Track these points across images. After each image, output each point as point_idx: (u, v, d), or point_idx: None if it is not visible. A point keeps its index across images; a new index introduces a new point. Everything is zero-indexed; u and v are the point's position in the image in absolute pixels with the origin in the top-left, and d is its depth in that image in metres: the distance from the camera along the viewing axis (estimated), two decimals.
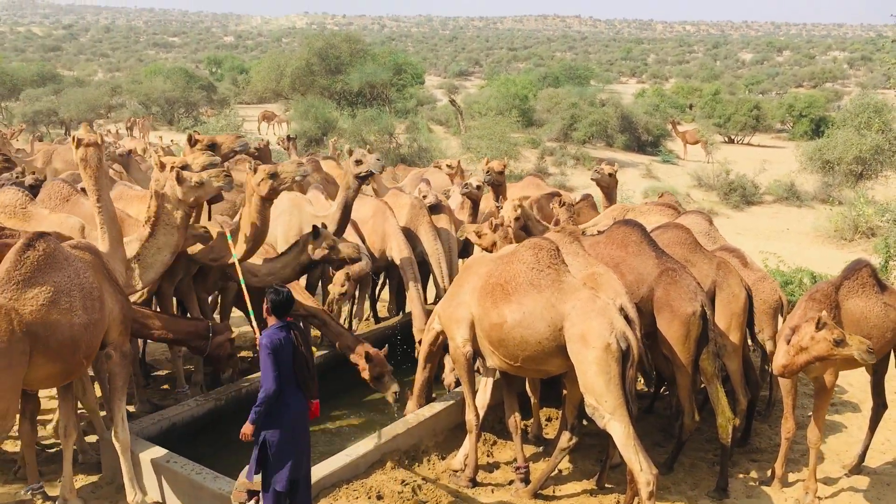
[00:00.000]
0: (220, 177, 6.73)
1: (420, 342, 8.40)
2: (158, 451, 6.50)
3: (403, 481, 6.64)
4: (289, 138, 15.83)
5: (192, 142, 8.19)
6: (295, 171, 7.29)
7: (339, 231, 8.50)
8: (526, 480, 6.83)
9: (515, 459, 6.94)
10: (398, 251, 9.21)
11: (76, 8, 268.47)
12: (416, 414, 7.47)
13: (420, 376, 7.69)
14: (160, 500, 6.41)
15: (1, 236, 6.59)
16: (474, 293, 6.57)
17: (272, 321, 5.49)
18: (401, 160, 25.87)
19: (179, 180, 6.68)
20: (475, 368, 7.02)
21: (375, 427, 7.59)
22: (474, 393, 6.93)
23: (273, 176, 7.19)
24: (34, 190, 8.74)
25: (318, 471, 6.34)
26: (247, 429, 5.36)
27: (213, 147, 7.99)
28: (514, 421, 6.90)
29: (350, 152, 8.73)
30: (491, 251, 7.78)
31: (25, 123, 33.76)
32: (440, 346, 7.38)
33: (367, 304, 10.49)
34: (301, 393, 5.50)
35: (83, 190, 7.97)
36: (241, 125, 33.37)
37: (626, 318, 6.27)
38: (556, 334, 6.13)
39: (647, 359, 6.66)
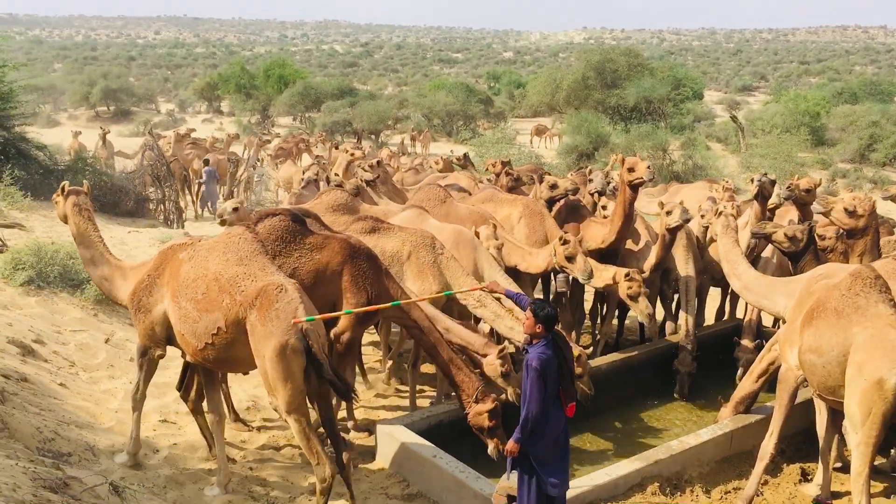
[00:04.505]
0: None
1: (678, 364, 8.82)
2: (426, 446, 6.84)
3: None
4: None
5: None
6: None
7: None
8: None
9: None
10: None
11: (373, 27, 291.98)
12: (680, 441, 7.20)
13: (748, 387, 7.46)
14: (424, 492, 6.73)
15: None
16: (802, 318, 6.29)
17: (538, 335, 5.52)
18: (674, 177, 25.14)
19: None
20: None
21: (637, 448, 7.43)
22: (784, 421, 6.54)
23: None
24: None
25: (577, 486, 6.30)
26: (512, 446, 5.49)
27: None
28: (827, 446, 6.55)
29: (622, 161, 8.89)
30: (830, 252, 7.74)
31: (325, 132, 37.35)
32: (776, 368, 7.03)
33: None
34: (561, 404, 5.53)
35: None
36: (515, 138, 34.32)
37: None
38: (840, 360, 5.74)
39: None
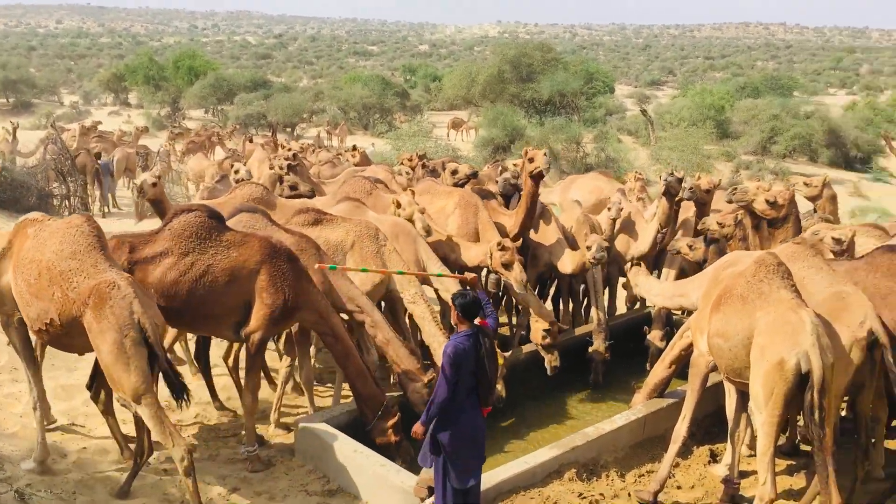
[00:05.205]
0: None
1: (592, 353, 9.00)
2: (346, 441, 6.79)
3: (581, 494, 6.54)
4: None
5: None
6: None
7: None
8: (734, 498, 6.64)
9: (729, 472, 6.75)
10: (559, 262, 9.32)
11: (287, 19, 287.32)
12: (596, 427, 7.36)
13: (661, 373, 7.66)
14: (345, 488, 6.70)
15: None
16: (710, 305, 6.52)
17: (462, 327, 5.58)
18: (587, 169, 25.63)
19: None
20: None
21: (554, 436, 7.56)
22: (696, 405, 6.76)
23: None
24: None
25: (496, 475, 6.38)
26: (417, 428, 5.59)
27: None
28: (735, 427, 6.74)
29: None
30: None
31: (238, 125, 36.60)
32: (689, 353, 7.23)
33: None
34: (478, 400, 5.60)
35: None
36: (432, 131, 34.38)
37: (876, 342, 5.94)
38: (745, 343, 5.98)
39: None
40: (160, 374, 5.94)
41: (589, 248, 8.65)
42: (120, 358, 5.66)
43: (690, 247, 8.48)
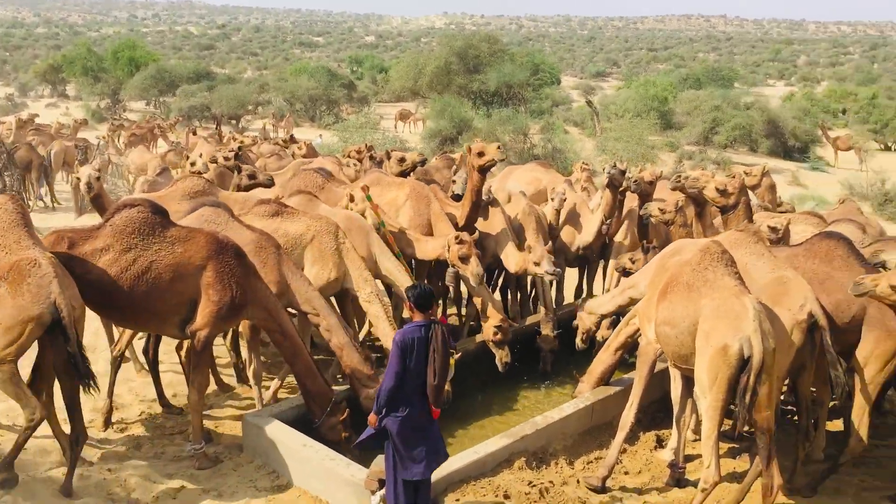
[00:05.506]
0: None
1: (541, 343, 9.10)
2: (295, 436, 6.74)
3: (531, 482, 6.59)
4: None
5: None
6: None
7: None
8: (679, 482, 6.77)
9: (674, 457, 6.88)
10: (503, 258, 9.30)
11: (229, 9, 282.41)
12: (544, 416, 7.43)
13: (607, 360, 7.75)
14: (294, 483, 6.64)
15: None
16: (657, 294, 6.61)
17: (416, 317, 5.58)
18: (534, 160, 25.79)
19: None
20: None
21: (504, 426, 7.61)
22: (643, 392, 6.87)
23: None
24: None
25: (446, 466, 6.35)
26: (371, 418, 5.63)
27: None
28: (681, 413, 6.83)
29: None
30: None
31: (181, 117, 35.91)
32: (634, 340, 7.30)
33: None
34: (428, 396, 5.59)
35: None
36: (379, 123, 34.19)
37: (816, 325, 6.16)
38: (691, 330, 6.09)
39: (838, 370, 6.25)
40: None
41: (538, 263, 8.63)
42: (11, 333, 5.74)
43: (632, 260, 8.61)
